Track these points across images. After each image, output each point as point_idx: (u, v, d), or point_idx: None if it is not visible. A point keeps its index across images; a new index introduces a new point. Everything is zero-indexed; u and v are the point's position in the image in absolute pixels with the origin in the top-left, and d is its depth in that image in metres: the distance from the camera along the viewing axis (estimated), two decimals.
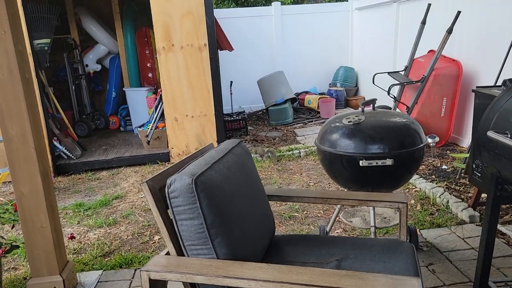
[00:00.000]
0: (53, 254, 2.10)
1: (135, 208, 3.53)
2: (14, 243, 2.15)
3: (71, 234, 2.43)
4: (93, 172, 4.58)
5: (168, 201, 1.29)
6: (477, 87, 2.23)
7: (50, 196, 2.10)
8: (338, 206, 2.37)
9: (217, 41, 4.70)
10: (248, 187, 1.56)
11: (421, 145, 2.01)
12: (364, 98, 7.01)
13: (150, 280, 1.22)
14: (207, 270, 1.20)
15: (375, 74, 4.54)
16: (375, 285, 1.07)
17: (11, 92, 1.91)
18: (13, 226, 2.10)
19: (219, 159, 1.47)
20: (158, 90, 5.22)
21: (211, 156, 1.51)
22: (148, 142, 4.86)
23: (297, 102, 6.95)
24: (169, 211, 1.34)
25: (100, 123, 6.05)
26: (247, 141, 5.53)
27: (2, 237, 2.13)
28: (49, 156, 4.27)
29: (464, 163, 3.39)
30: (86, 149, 5.01)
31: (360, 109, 2.14)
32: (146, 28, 5.70)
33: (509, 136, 1.44)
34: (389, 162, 1.89)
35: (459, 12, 3.78)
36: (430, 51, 4.45)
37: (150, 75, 5.77)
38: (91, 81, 6.09)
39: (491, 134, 1.43)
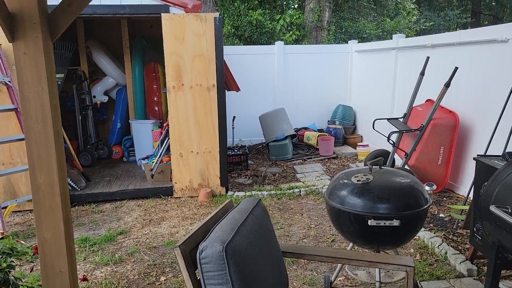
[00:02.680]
0: None
1: (139, 245, 3.59)
2: (30, 286, 2.21)
3: (84, 276, 2.49)
4: (96, 204, 4.64)
5: (199, 266, 1.39)
6: (478, 155, 2.39)
7: (70, 241, 2.18)
8: None
9: (225, 82, 4.88)
10: (267, 248, 1.67)
11: (425, 206, 2.14)
12: (361, 137, 7.19)
13: None
14: None
15: (375, 120, 4.73)
16: None
17: (43, 143, 2.03)
18: (31, 269, 2.16)
19: (242, 223, 1.59)
20: (164, 124, 5.36)
21: (235, 218, 1.62)
22: (152, 176, 4.95)
23: (296, 137, 7.12)
24: (198, 272, 1.44)
25: (103, 153, 6.14)
26: (247, 176, 5.64)
27: (20, 279, 2.20)
28: None
29: (461, 214, 3.53)
30: (90, 180, 5.08)
31: (368, 167, 2.28)
32: (155, 63, 5.89)
33: (510, 211, 1.57)
34: (396, 223, 2.01)
35: (456, 68, 4.00)
36: (428, 100, 4.66)
37: (156, 108, 5.92)
38: (97, 111, 6.22)
39: (493, 209, 1.57)
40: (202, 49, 4.47)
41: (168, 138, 4.91)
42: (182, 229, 3.92)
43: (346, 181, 2.27)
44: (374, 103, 6.64)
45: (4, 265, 1.98)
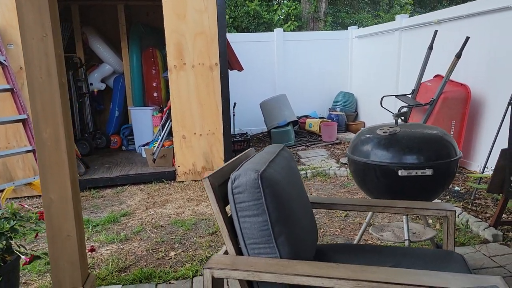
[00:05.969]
0: (77, 265, 2.00)
1: (145, 224, 3.43)
2: (35, 254, 2.05)
3: (92, 246, 2.34)
4: (97, 190, 4.46)
5: (231, 197, 1.25)
6: None
7: (77, 204, 2.03)
8: (367, 220, 2.34)
9: (228, 60, 4.74)
10: (298, 190, 1.53)
11: (457, 157, 2.02)
12: (364, 123, 7.09)
13: (213, 278, 1.17)
14: (274, 268, 1.15)
15: (383, 97, 4.60)
16: (459, 283, 1.04)
17: (48, 95, 1.88)
18: (36, 235, 2.01)
19: (272, 159, 1.45)
20: (164, 109, 5.21)
21: (263, 156, 1.48)
22: (154, 160, 4.79)
23: (297, 125, 6.99)
24: (228, 208, 1.30)
25: (101, 142, 5.97)
26: None
27: (24, 247, 2.04)
28: None
29: (479, 184, 3.42)
30: (89, 167, 4.91)
31: (393, 120, 2.15)
32: (153, 48, 5.74)
33: None
34: (428, 172, 1.89)
35: (467, 38, 3.91)
36: (437, 75, 4.56)
37: (155, 94, 5.76)
38: (93, 100, 6.04)
39: None
40: (204, 26, 4.33)
41: (170, 121, 4.76)
42: (188, 209, 3.77)
43: (370, 135, 2.14)
44: (376, 89, 6.54)
45: (8, 226, 1.81)
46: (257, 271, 1.14)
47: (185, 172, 4.64)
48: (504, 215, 2.96)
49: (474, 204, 3.33)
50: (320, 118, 7.33)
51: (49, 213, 1.95)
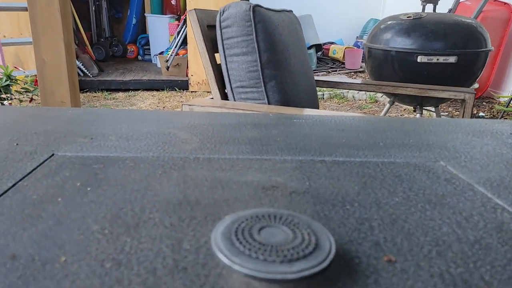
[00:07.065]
0: None
1: None
2: None
3: None
4: (109, 92, 4.42)
5: (218, 32, 1.11)
6: None
7: (72, 71, 1.94)
8: (385, 109, 2.19)
9: None
10: (300, 54, 1.38)
11: (486, 49, 1.80)
12: None
13: None
14: (258, 108, 1.03)
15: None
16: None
17: None
18: (31, 99, 1.95)
19: (274, 10, 1.28)
20: (181, 17, 4.99)
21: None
22: (168, 68, 4.66)
23: (321, 51, 6.66)
24: (217, 54, 1.16)
25: (117, 50, 5.85)
26: None
27: None
28: None
29: (507, 107, 3.18)
30: (103, 70, 4.84)
31: (421, 6, 1.92)
32: None
33: None
34: (452, 59, 1.69)
35: None
36: None
37: (173, 2, 5.50)
38: (112, 5, 5.84)
39: None
40: None
41: (185, 27, 4.56)
42: None
43: (392, 21, 1.92)
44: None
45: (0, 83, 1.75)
46: (241, 108, 1.03)
47: (198, 82, 4.52)
48: None
49: None
50: (346, 46, 6.95)
51: (42, 76, 1.88)
